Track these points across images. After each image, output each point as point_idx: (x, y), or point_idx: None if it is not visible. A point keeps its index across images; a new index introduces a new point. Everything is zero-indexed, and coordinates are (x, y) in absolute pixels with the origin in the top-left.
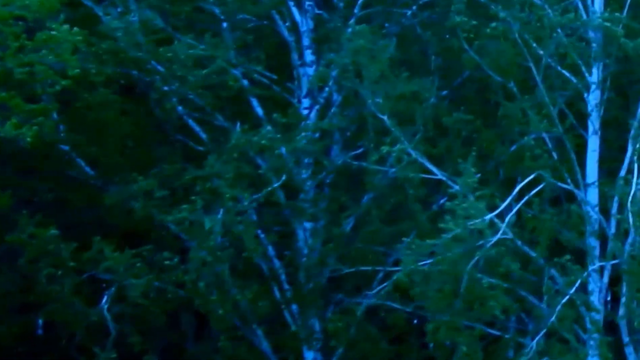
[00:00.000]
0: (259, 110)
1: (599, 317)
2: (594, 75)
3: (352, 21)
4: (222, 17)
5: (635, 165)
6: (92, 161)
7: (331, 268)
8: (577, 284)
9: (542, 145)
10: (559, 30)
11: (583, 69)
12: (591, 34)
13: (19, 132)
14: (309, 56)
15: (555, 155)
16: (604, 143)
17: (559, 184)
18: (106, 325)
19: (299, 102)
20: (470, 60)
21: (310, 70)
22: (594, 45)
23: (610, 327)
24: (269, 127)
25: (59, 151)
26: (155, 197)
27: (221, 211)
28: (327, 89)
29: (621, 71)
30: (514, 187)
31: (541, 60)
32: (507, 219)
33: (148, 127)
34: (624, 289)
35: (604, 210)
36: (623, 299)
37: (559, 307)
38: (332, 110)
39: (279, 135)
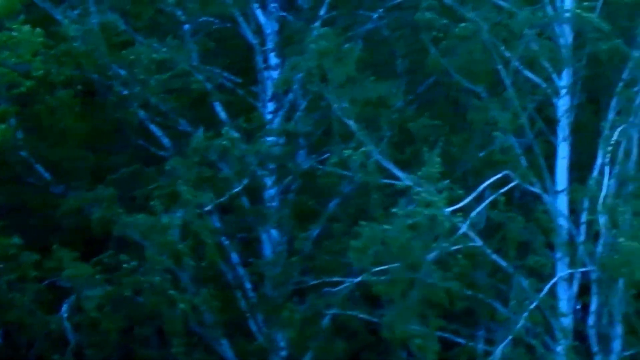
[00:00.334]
0: (223, 115)
1: (567, 322)
2: (564, 79)
3: (317, 24)
4: (184, 19)
5: (607, 168)
6: (51, 166)
7: (295, 280)
8: (545, 290)
9: (511, 150)
10: (528, 31)
11: (552, 73)
12: (560, 30)
13: None
14: (273, 59)
15: (524, 161)
16: (574, 149)
17: (528, 186)
18: (65, 335)
19: (264, 106)
20: (436, 62)
21: (275, 74)
22: (563, 46)
23: (580, 337)
24: (229, 129)
25: (17, 156)
26: (114, 203)
27: (181, 211)
28: (291, 92)
29: (592, 75)
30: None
31: (510, 63)
32: (470, 216)
33: (108, 131)
34: (593, 298)
35: (573, 212)
36: (592, 307)
37: (525, 313)
38: (298, 115)
39: (238, 135)
